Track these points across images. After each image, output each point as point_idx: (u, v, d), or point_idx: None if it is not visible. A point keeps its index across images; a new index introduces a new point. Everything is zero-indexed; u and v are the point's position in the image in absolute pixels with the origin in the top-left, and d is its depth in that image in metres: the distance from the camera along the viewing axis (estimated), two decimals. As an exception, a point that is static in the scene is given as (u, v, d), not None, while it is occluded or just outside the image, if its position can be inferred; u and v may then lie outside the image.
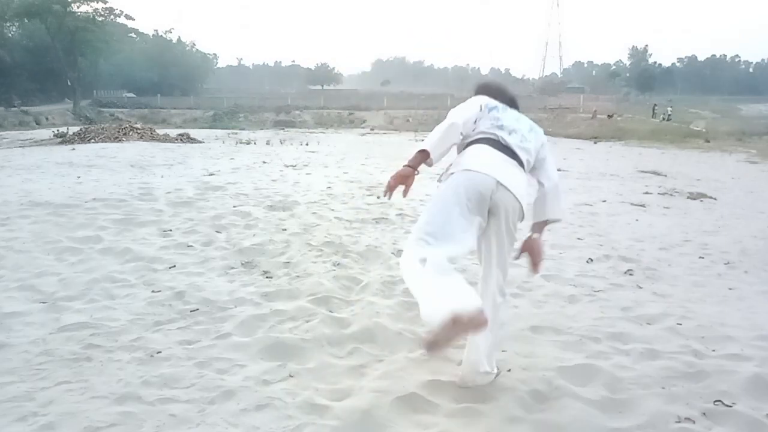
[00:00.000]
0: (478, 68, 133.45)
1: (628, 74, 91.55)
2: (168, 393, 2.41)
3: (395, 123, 41.18)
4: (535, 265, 2.54)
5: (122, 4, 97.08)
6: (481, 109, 2.56)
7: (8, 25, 47.00)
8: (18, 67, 43.95)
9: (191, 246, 4.85)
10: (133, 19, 59.67)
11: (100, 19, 45.21)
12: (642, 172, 13.07)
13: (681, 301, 3.82)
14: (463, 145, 2.54)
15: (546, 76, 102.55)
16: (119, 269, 4.15)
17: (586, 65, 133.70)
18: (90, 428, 2.15)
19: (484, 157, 2.43)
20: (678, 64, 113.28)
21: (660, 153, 20.43)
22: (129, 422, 2.20)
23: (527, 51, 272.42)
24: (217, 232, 5.36)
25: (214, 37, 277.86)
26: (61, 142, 17.27)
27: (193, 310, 3.38)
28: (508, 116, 2.58)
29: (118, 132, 17.92)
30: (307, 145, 19.16)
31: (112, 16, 46.54)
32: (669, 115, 39.33)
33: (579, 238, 5.69)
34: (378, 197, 7.57)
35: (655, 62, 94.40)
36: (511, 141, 2.48)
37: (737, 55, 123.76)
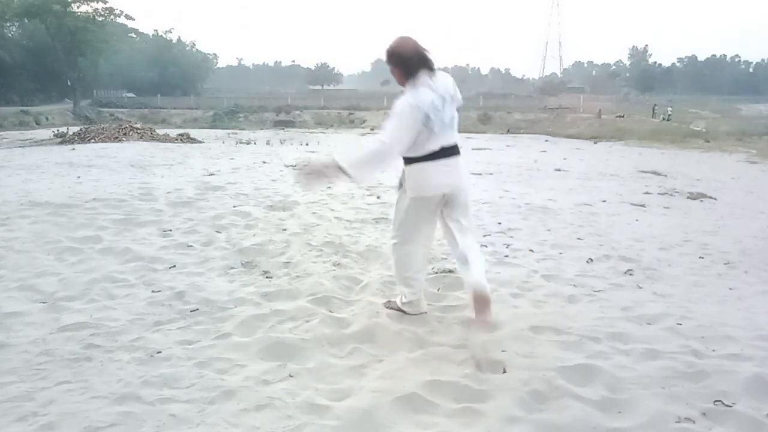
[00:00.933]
0: (478, 68, 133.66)
1: (628, 74, 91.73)
2: (168, 393, 2.41)
3: (395, 123, 41.09)
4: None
5: (122, 4, 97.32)
6: (421, 127, 2.73)
7: (8, 25, 47.08)
8: (18, 67, 44.03)
9: (191, 246, 4.85)
10: (133, 19, 59.84)
11: (100, 19, 45.31)
12: (642, 172, 13.07)
13: (681, 301, 3.81)
14: (411, 159, 2.86)
15: (546, 76, 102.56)
16: (119, 269, 4.15)
17: (586, 65, 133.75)
18: (90, 428, 2.15)
19: (435, 176, 2.88)
20: (678, 64, 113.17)
21: (660, 153, 20.45)
22: (129, 422, 2.20)
23: (527, 51, 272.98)
24: (217, 232, 5.36)
25: (214, 37, 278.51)
26: (61, 142, 17.30)
27: (193, 310, 3.38)
28: (439, 105, 2.76)
29: (118, 132, 17.94)
30: (307, 145, 19.18)
31: (112, 16, 46.65)
32: (669, 115, 39.34)
33: (579, 238, 5.68)
34: (378, 197, 7.57)
35: (655, 62, 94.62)
36: (449, 137, 2.83)
37: (737, 55, 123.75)
